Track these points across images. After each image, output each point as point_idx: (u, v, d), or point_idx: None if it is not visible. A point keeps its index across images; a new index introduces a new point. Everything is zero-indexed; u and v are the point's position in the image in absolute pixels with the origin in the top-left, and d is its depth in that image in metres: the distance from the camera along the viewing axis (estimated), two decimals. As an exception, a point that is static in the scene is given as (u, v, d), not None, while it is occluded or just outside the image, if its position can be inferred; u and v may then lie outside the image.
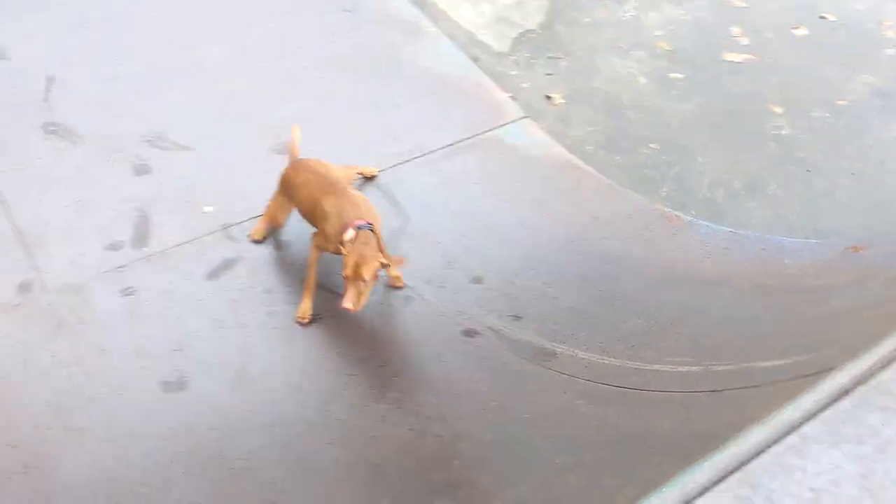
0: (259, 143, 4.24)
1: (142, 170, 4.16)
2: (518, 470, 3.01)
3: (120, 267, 3.74)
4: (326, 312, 3.67)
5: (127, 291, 3.66)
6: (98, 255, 3.78)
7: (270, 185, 4.19)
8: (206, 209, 4.03)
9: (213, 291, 3.72)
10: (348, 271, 3.27)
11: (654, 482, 2.35)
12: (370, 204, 3.59)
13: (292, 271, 3.81)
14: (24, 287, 3.63)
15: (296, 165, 3.75)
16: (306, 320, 3.58)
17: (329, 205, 3.49)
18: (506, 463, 3.05)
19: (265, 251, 3.89)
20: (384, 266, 3.39)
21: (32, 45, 4.77)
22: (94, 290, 3.65)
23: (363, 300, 3.32)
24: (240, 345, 3.53)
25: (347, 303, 3.25)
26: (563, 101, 4.87)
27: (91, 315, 3.57)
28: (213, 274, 3.79)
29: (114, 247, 3.82)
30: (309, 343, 3.55)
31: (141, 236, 3.88)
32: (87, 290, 3.65)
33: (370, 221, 3.41)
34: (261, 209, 3.99)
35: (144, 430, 3.22)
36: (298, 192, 3.63)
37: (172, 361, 3.43)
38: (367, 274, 3.26)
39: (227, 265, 3.83)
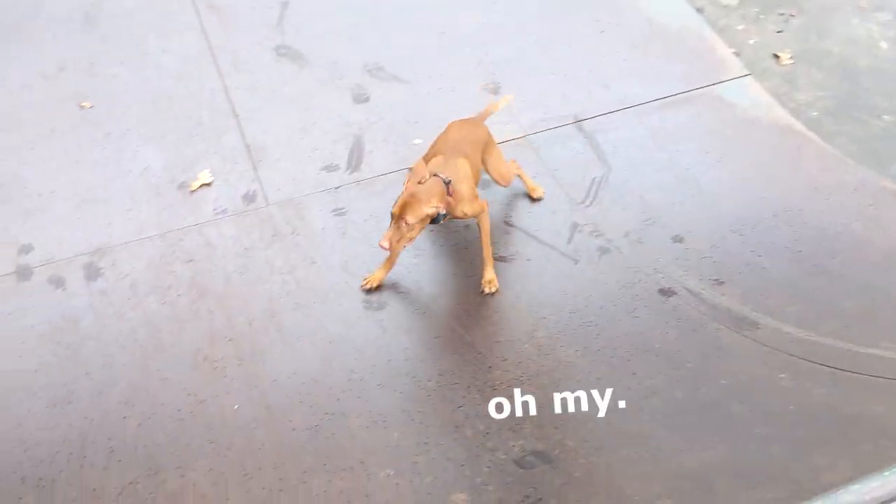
0: (473, 80, 4.29)
1: (360, 98, 4.34)
2: (710, 433, 2.93)
3: (334, 188, 3.95)
4: (521, 255, 3.71)
5: (338, 211, 3.86)
6: (315, 174, 4.01)
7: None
8: (416, 141, 4.14)
9: (416, 220, 3.84)
10: (395, 208, 3.15)
11: (871, 465, 2.21)
12: (464, 179, 3.36)
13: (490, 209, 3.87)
14: (249, 197, 3.92)
15: (457, 124, 3.62)
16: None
17: (432, 163, 3.40)
18: (697, 424, 2.98)
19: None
20: (435, 216, 3.20)
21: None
22: (309, 207, 3.89)
23: (403, 242, 3.19)
24: (435, 275, 3.64)
25: (384, 241, 3.13)
26: (791, 60, 4.54)
27: (305, 229, 3.80)
28: (416, 203, 3.91)
29: (329, 168, 4.04)
30: (503, 282, 3.59)
31: (355, 161, 4.07)
32: (303, 206, 3.89)
33: (450, 179, 3.26)
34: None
35: (345, 341, 3.41)
36: (433, 146, 3.57)
37: (374, 281, 3.61)
38: (410, 216, 3.12)
39: (431, 197, 3.94)
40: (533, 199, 3.87)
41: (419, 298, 3.56)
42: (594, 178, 4.01)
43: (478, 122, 3.68)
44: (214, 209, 3.88)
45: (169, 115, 4.24)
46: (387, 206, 3.85)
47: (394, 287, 3.58)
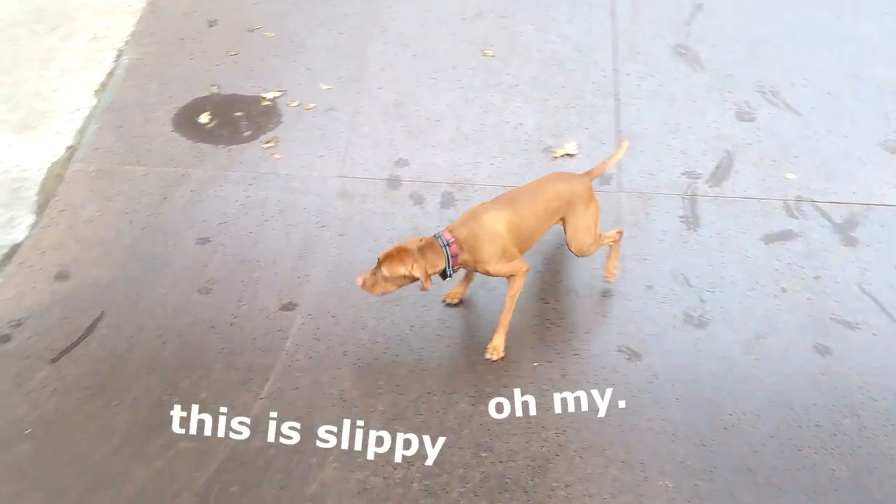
0: (873, 132, 3.98)
1: (744, 116, 4.22)
2: None
3: (689, 195, 3.90)
4: (868, 326, 3.40)
5: (685, 219, 3.81)
6: (675, 176, 4.00)
7: (865, 177, 3.97)
8: (789, 176, 3.95)
9: (763, 254, 3.68)
10: (380, 255, 3.22)
11: None
12: (490, 239, 3.20)
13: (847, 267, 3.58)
14: (604, 178, 4.00)
15: (552, 176, 3.46)
16: None
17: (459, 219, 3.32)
18: None
19: (832, 240, 3.70)
20: (414, 278, 3.18)
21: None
22: (658, 205, 3.88)
23: (378, 290, 3.24)
24: (768, 314, 3.47)
25: (358, 279, 3.22)
26: None
27: (647, 224, 3.81)
28: (769, 238, 3.74)
29: (691, 175, 3.99)
30: (842, 347, 3.34)
31: (719, 176, 3.97)
32: (652, 202, 3.89)
33: (453, 241, 3.19)
34: (850, 197, 3.86)
35: (647, 346, 3.39)
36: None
37: (702, 298, 3.53)
38: (386, 269, 3.17)
39: (786, 236, 3.74)
40: (605, 279, 3.60)
41: (743, 331, 3.42)
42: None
43: (581, 178, 3.42)
44: (570, 179, 4.01)
45: (556, 81, 4.45)
46: (739, 230, 3.77)
47: (720, 308, 3.48)
